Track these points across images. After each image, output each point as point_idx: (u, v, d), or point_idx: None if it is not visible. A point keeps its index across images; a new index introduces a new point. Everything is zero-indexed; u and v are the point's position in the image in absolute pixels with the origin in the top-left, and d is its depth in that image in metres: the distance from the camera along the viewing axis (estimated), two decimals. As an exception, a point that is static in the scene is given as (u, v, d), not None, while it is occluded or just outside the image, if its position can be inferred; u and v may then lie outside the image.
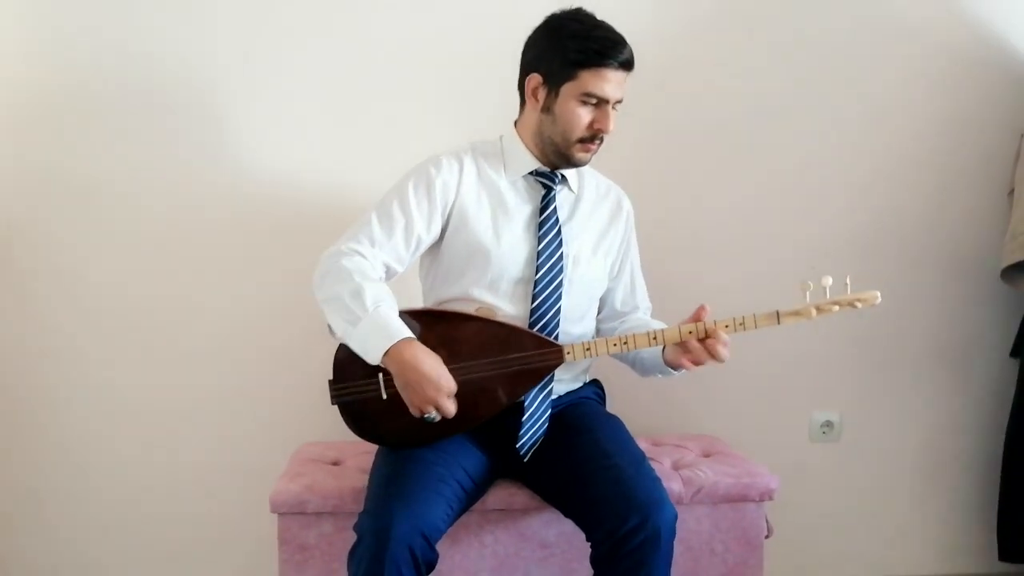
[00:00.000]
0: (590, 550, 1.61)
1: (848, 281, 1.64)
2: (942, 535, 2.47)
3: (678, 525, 1.59)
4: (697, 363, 1.67)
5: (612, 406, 1.93)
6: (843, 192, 2.33)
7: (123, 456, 2.22)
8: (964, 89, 2.33)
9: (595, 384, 1.94)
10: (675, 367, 1.74)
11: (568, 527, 1.75)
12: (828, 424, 2.40)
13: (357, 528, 1.53)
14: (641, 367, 1.86)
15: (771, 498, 1.89)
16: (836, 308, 1.65)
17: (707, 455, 2.06)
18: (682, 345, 1.67)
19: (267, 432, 2.22)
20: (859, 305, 1.66)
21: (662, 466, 1.95)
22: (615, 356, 1.91)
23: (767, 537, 1.91)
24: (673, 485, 1.83)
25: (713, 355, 1.65)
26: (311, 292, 1.66)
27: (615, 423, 1.80)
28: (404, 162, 1.79)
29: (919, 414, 2.43)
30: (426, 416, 1.58)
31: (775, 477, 1.90)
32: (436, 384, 1.56)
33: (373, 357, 1.57)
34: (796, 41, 2.28)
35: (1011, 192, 2.29)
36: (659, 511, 1.54)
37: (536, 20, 1.73)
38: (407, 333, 1.57)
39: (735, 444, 2.17)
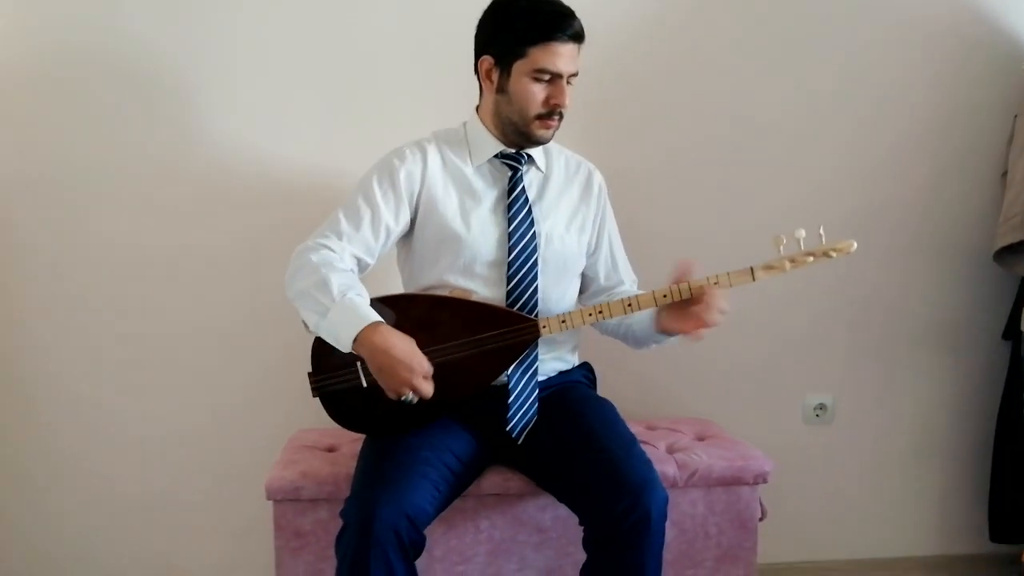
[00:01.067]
0: (583, 533, 1.61)
1: (822, 232, 1.63)
2: (934, 517, 2.49)
3: (672, 508, 1.59)
4: (700, 326, 1.65)
5: (606, 390, 1.93)
6: (836, 175, 2.33)
7: (117, 443, 2.22)
8: (957, 71, 2.33)
9: (585, 367, 1.94)
10: (670, 333, 1.73)
11: (563, 512, 1.76)
12: (821, 407, 2.41)
13: (343, 514, 1.54)
14: (634, 339, 1.85)
15: (765, 481, 1.89)
16: (811, 259, 1.64)
17: (701, 439, 2.07)
18: (677, 313, 1.67)
19: (262, 419, 2.22)
20: (834, 255, 1.64)
21: (656, 450, 1.96)
22: (609, 334, 1.92)
23: (761, 520, 1.92)
24: (667, 468, 1.84)
25: (704, 319, 1.64)
26: (283, 291, 1.66)
27: (606, 406, 1.81)
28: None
29: (912, 396, 2.44)
30: (403, 398, 1.58)
31: (769, 460, 1.91)
32: (408, 365, 1.55)
33: (344, 344, 1.57)
34: (791, 25, 2.27)
35: (1004, 174, 2.29)
36: (650, 493, 1.54)
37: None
38: (375, 317, 1.56)
39: (729, 427, 2.18)
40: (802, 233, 1.62)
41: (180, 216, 2.17)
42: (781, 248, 1.63)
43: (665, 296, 1.66)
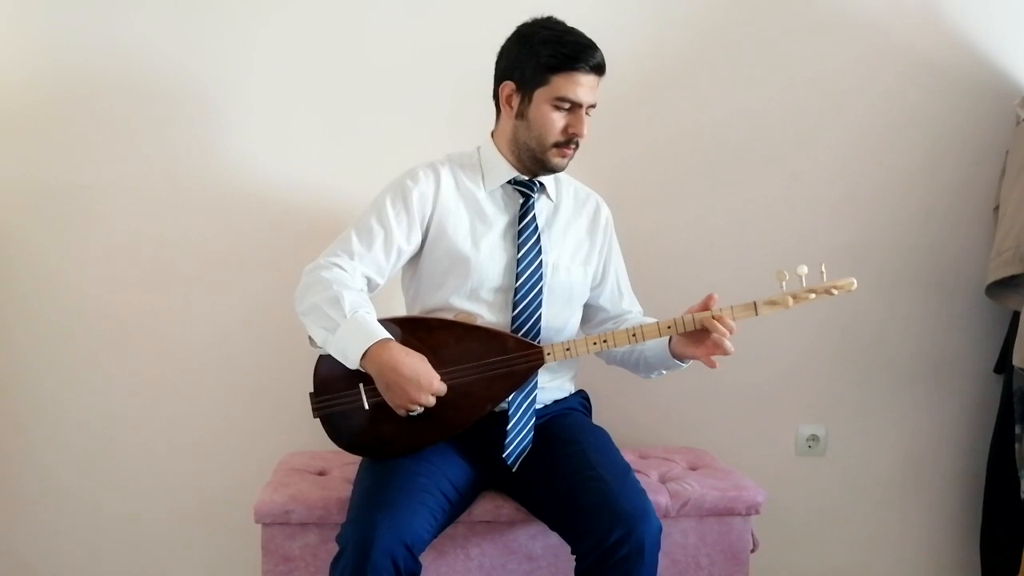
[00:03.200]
0: (575, 563, 1.60)
1: (823, 269, 1.66)
2: (927, 551, 2.47)
3: (664, 538, 1.58)
4: (714, 353, 1.67)
5: (601, 418, 1.93)
6: (829, 208, 2.34)
7: (107, 465, 2.20)
8: (950, 107, 2.35)
9: (581, 395, 1.94)
10: (682, 359, 1.74)
11: (554, 540, 1.75)
12: (814, 438, 2.40)
13: (339, 539, 1.53)
14: (646, 366, 1.85)
15: (757, 512, 1.89)
16: (813, 296, 1.67)
17: (694, 468, 2.06)
18: (693, 339, 1.68)
19: (252, 441, 2.20)
20: (835, 292, 1.67)
21: (649, 479, 1.95)
22: (616, 362, 1.92)
23: (753, 551, 1.91)
24: (660, 498, 1.83)
25: (721, 347, 1.66)
26: (293, 307, 1.67)
27: (600, 434, 1.80)
28: (400, 171, 1.79)
29: (904, 430, 2.43)
30: (412, 410, 1.60)
31: (762, 491, 1.90)
32: (417, 383, 1.57)
33: (352, 360, 1.58)
34: (784, 61, 2.30)
35: (996, 208, 2.30)
36: (644, 523, 1.54)
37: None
38: (384, 335, 1.58)
39: (721, 457, 2.17)
40: (804, 269, 1.65)
41: (175, 233, 2.17)
42: (784, 284, 1.65)
43: (670, 327, 1.67)
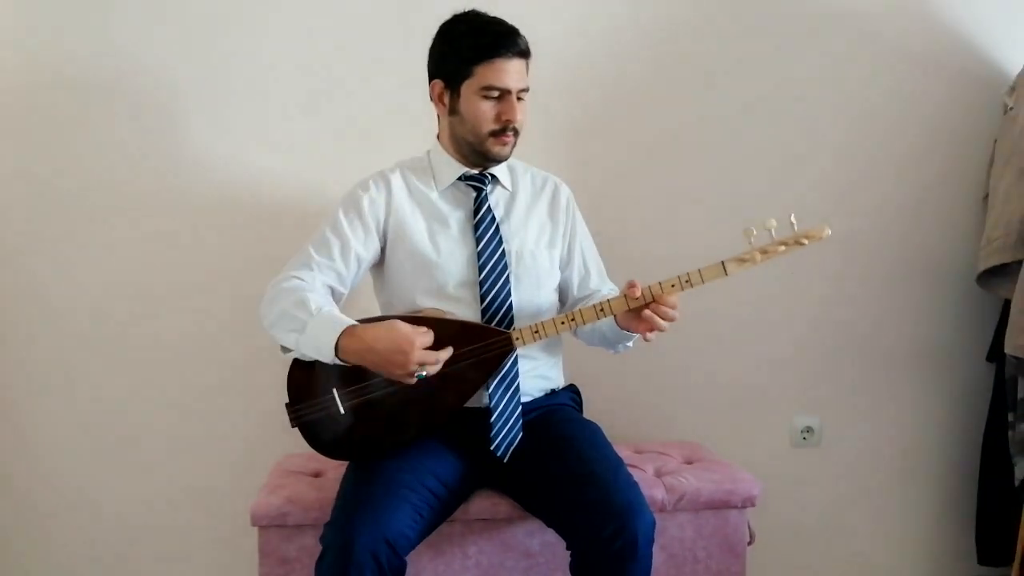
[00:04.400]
0: (570, 558, 1.60)
1: (793, 219, 1.59)
2: (922, 540, 2.49)
3: (660, 532, 1.59)
4: (652, 330, 1.65)
5: (593, 413, 1.92)
6: (820, 197, 2.35)
7: (102, 468, 2.20)
8: (940, 96, 2.36)
9: (572, 390, 1.94)
10: (632, 331, 1.73)
11: (551, 537, 1.75)
12: (809, 429, 2.41)
13: (322, 539, 1.54)
14: (605, 341, 1.85)
15: (753, 504, 1.89)
16: (783, 248, 1.61)
17: (689, 462, 2.06)
18: (634, 313, 1.66)
19: (248, 444, 2.20)
20: (806, 242, 1.60)
21: (644, 473, 1.95)
22: (593, 343, 1.90)
23: (749, 544, 1.91)
24: (655, 492, 1.83)
25: (664, 317, 1.64)
26: (259, 323, 1.69)
27: (592, 429, 1.80)
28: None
29: (898, 419, 2.44)
30: (417, 376, 1.59)
31: (757, 483, 1.90)
32: (399, 350, 1.56)
33: (326, 354, 1.59)
34: (774, 50, 2.30)
35: (986, 197, 2.31)
36: (636, 517, 1.54)
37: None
38: (350, 322, 1.60)
39: (717, 451, 2.18)
40: (773, 223, 1.58)
41: (172, 234, 2.17)
42: (752, 240, 1.60)
43: (637, 299, 1.64)
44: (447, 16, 1.74)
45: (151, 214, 2.17)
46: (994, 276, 2.21)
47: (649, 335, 1.67)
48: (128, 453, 2.20)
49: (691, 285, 1.63)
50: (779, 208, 2.26)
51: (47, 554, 2.21)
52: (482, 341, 1.68)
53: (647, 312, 1.64)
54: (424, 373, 1.59)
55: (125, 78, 2.13)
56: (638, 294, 1.63)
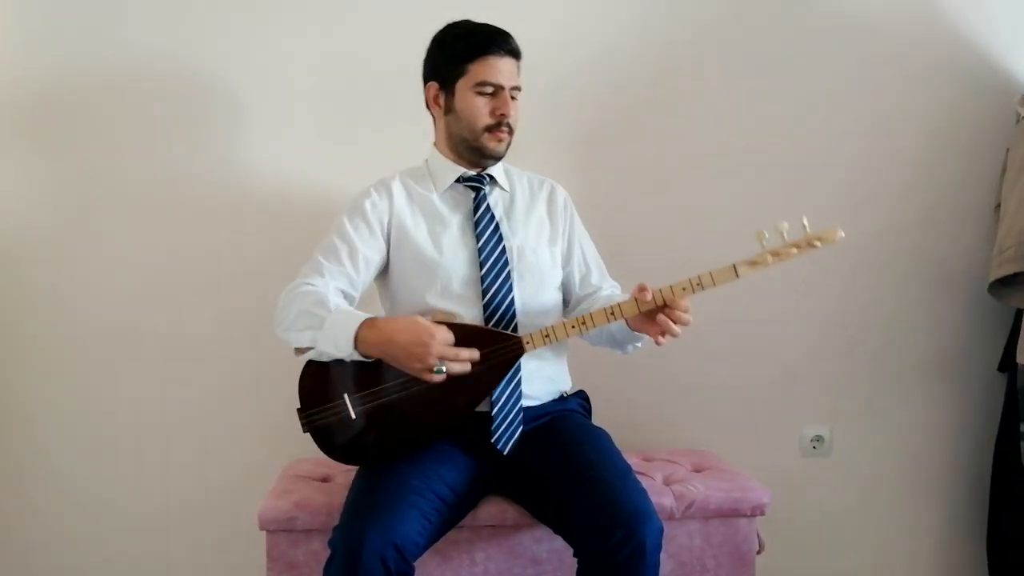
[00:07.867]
0: (577, 565, 1.59)
1: (805, 222, 1.57)
2: (933, 551, 2.47)
3: (669, 540, 1.58)
4: (664, 334, 1.65)
5: (602, 420, 1.92)
6: (831, 206, 2.34)
7: (110, 472, 2.20)
8: (951, 105, 2.35)
9: (581, 396, 1.94)
10: (643, 333, 1.73)
11: (559, 544, 1.74)
12: (818, 439, 2.40)
13: (331, 543, 1.54)
14: (614, 342, 1.86)
15: (763, 513, 1.88)
16: (795, 251, 1.59)
17: (698, 470, 2.06)
18: (648, 317, 1.66)
19: (256, 448, 2.20)
20: (819, 244, 1.59)
21: (653, 481, 1.94)
22: (600, 344, 1.91)
23: (759, 552, 1.90)
24: (664, 500, 1.83)
25: (677, 321, 1.63)
26: (273, 330, 1.70)
27: (600, 435, 1.80)
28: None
29: (908, 429, 2.43)
30: (436, 371, 1.58)
31: (767, 492, 1.89)
32: (419, 342, 1.57)
33: (345, 348, 1.61)
34: (786, 59, 2.30)
35: (998, 206, 2.30)
36: (645, 524, 1.53)
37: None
38: (368, 315, 1.62)
39: (726, 459, 2.17)
40: (785, 225, 1.57)
41: (183, 237, 2.19)
42: (763, 243, 1.59)
43: (647, 302, 1.64)
44: (454, 19, 1.77)
45: (165, 219, 2.18)
46: (1006, 286, 2.20)
47: (662, 339, 1.66)
48: (137, 456, 2.21)
49: (702, 288, 1.63)
50: (791, 215, 2.30)
51: (56, 556, 2.22)
52: (493, 345, 1.68)
53: (661, 316, 1.64)
54: (444, 368, 1.58)
55: (139, 84, 2.15)
56: (649, 296, 1.63)
